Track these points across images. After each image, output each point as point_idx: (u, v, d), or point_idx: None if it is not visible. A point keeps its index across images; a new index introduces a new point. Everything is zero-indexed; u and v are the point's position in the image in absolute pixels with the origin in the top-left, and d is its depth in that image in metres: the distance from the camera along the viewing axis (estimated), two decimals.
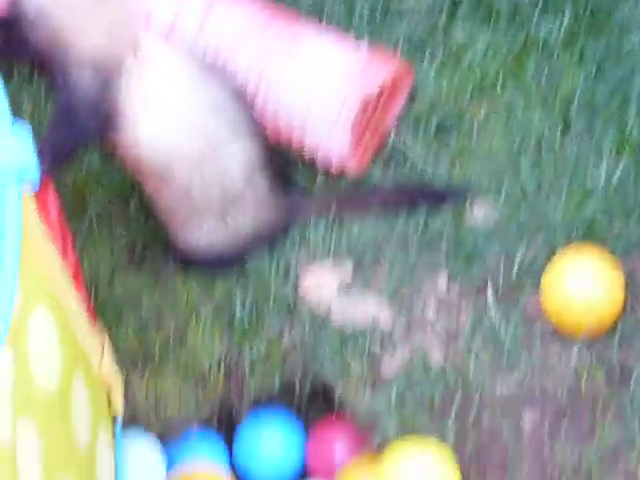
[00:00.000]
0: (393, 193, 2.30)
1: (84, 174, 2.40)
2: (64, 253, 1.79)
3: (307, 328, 2.20)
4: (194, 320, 2.25)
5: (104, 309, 2.24)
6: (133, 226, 2.38)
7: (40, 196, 1.65)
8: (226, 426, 2.37)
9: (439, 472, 2.00)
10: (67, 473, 1.65)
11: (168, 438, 2.27)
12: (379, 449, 2.10)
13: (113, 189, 2.40)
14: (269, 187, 2.20)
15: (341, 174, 2.33)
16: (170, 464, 2.25)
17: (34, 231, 1.60)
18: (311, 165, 2.34)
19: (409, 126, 2.39)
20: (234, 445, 2.35)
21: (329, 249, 2.28)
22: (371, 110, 2.32)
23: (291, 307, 2.22)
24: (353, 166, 2.31)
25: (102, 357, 1.96)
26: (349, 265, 2.27)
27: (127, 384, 2.18)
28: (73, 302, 1.80)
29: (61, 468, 1.62)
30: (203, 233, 2.19)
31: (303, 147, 2.30)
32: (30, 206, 1.56)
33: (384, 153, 2.36)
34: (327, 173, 2.33)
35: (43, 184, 1.68)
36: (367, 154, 2.34)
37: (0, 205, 1.39)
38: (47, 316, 1.61)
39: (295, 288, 2.24)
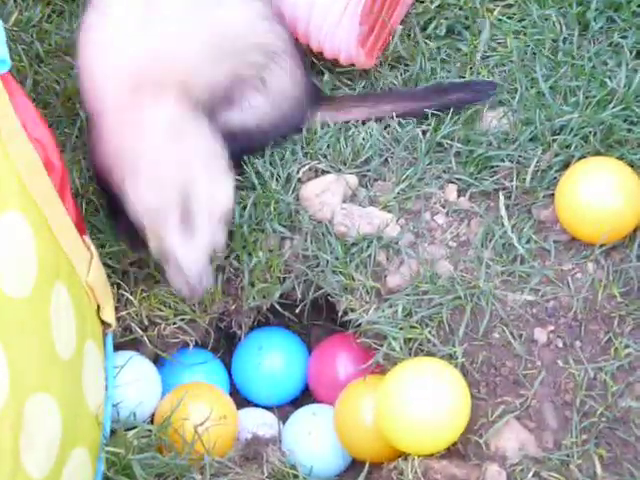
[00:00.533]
0: (409, 95, 2.23)
1: (73, 79, 2.28)
2: (48, 160, 1.71)
3: (309, 238, 2.11)
4: None
5: (95, 221, 2.16)
6: None
7: (12, 91, 1.55)
8: (224, 345, 2.32)
9: (447, 392, 1.90)
10: (46, 392, 1.59)
11: (164, 357, 2.19)
12: (384, 368, 2.01)
13: None
14: (297, 64, 2.14)
15: (350, 66, 2.27)
16: (166, 385, 2.18)
17: (9, 127, 1.52)
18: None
19: (418, 27, 2.31)
20: (233, 364, 2.30)
21: (333, 159, 2.19)
22: (379, 6, 2.23)
23: (293, 216, 2.13)
24: (361, 60, 2.24)
25: (90, 268, 1.87)
26: (354, 175, 2.18)
27: (119, 299, 2.10)
28: (58, 210, 1.73)
29: (37, 386, 1.56)
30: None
31: (309, 40, 2.23)
32: (3, 100, 1.46)
33: (393, 53, 2.29)
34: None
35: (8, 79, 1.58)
36: (375, 50, 2.27)
37: None
38: (20, 222, 1.54)
39: (297, 197, 2.15)
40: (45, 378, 1.58)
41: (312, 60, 2.28)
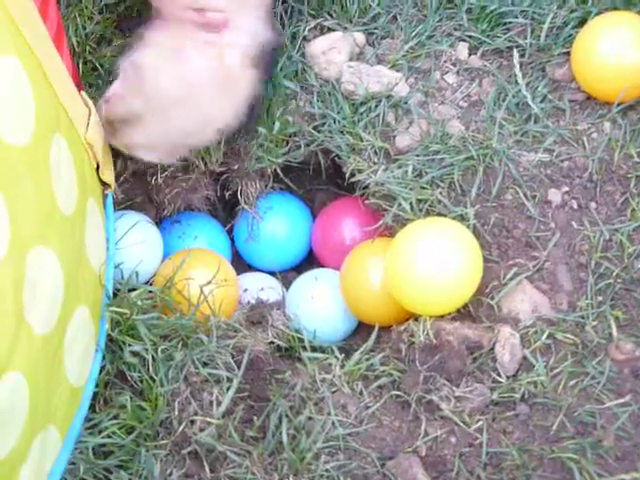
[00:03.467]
0: None
1: None
2: (44, 9, 1.64)
3: (315, 96, 2.07)
4: None
5: (92, 82, 2.11)
6: None
7: None
8: (225, 210, 2.31)
9: (458, 251, 1.88)
10: (47, 246, 1.55)
11: (164, 222, 2.20)
12: (392, 230, 1.99)
13: None
14: None
15: None
16: (167, 250, 2.16)
17: None
18: None
19: None
20: (235, 230, 2.28)
21: (339, 16, 2.14)
22: None
23: (299, 74, 2.09)
24: None
25: (88, 123, 1.82)
26: (361, 32, 2.13)
27: (117, 161, 2.05)
28: (55, 61, 1.67)
29: (38, 239, 1.52)
30: None
31: None
32: None
33: None
34: None
35: None
36: None
37: None
38: (17, 67, 1.48)
39: (303, 55, 2.10)
40: (46, 231, 1.54)
41: None
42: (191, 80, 1.88)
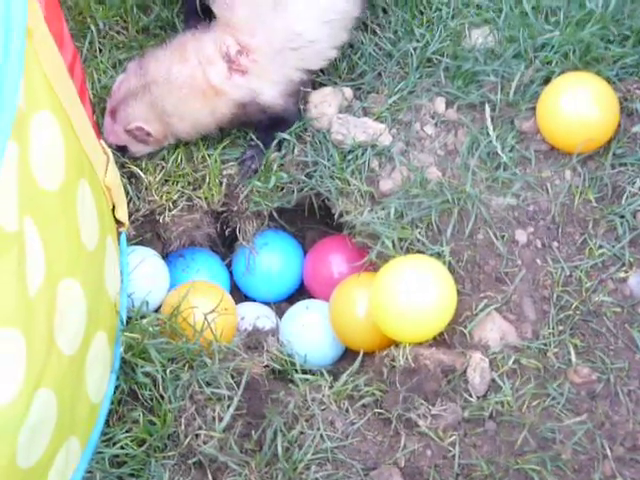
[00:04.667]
0: None
1: None
2: (71, 66, 1.81)
3: (308, 146, 2.24)
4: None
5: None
6: (134, 46, 2.38)
7: (47, 5, 1.65)
8: (225, 246, 2.46)
9: (436, 285, 2.04)
10: (74, 278, 1.71)
11: (170, 256, 2.36)
12: (376, 265, 2.15)
13: (114, 8, 2.40)
14: None
15: None
16: (172, 283, 2.32)
17: (42, 36, 1.61)
18: None
19: None
20: (233, 264, 2.44)
21: (330, 73, 2.31)
22: None
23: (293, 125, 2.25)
24: None
25: (107, 169, 1.99)
26: (349, 87, 2.30)
27: (130, 203, 2.23)
28: (80, 113, 1.83)
29: (67, 272, 1.68)
30: None
31: None
32: (38, 12, 1.57)
33: None
34: None
35: None
36: None
37: (5, 6, 1.38)
38: (51, 121, 1.63)
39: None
40: (74, 265, 1.70)
41: None
42: (177, 77, 2.14)
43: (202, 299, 2.18)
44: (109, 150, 2.01)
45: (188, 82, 2.13)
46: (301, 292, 2.43)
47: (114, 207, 2.05)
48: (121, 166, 2.19)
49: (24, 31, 1.36)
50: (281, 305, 2.40)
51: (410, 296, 2.03)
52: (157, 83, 2.13)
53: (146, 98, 2.14)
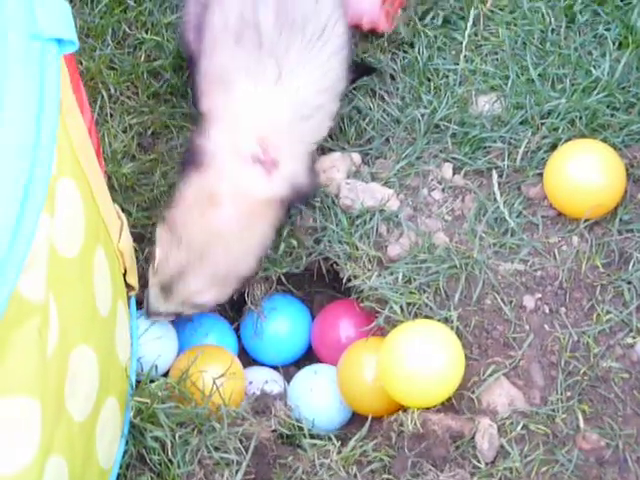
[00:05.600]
0: None
1: (96, 60, 2.43)
2: (89, 130, 1.83)
3: (317, 211, 2.26)
4: None
5: (114, 188, 2.31)
6: (145, 111, 2.41)
7: (69, 67, 1.67)
8: (233, 310, 2.46)
9: (444, 351, 2.05)
10: (88, 344, 1.72)
11: (178, 321, 2.34)
12: (384, 330, 2.16)
13: (125, 74, 2.43)
14: None
15: (369, 32, 2.43)
16: (181, 346, 2.33)
17: (67, 101, 1.63)
18: None
19: (417, 16, 2.46)
20: (241, 328, 2.44)
21: (338, 138, 2.34)
22: None
23: None
24: (383, 23, 2.41)
25: (121, 234, 2.00)
26: (357, 153, 2.33)
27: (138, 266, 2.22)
28: (98, 177, 1.84)
29: (81, 339, 1.69)
30: None
31: None
32: (64, 75, 1.59)
33: (394, 37, 2.44)
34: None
35: (70, 59, 1.71)
36: (391, 15, 2.44)
37: (40, 72, 1.39)
38: (73, 187, 1.65)
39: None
40: (88, 332, 1.71)
41: None
42: (218, 225, 2.07)
43: (211, 363, 2.19)
44: (123, 215, 2.02)
45: (234, 221, 2.08)
46: (309, 356, 2.43)
47: (125, 271, 2.05)
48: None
49: (58, 104, 1.37)
50: (289, 369, 2.40)
51: (419, 361, 2.03)
52: (207, 244, 2.08)
53: (204, 270, 2.09)
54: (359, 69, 2.38)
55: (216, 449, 2.00)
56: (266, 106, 2.07)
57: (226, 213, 2.06)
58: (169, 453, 1.98)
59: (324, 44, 2.08)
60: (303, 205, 2.22)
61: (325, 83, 2.11)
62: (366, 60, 2.40)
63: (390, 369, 2.05)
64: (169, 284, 2.11)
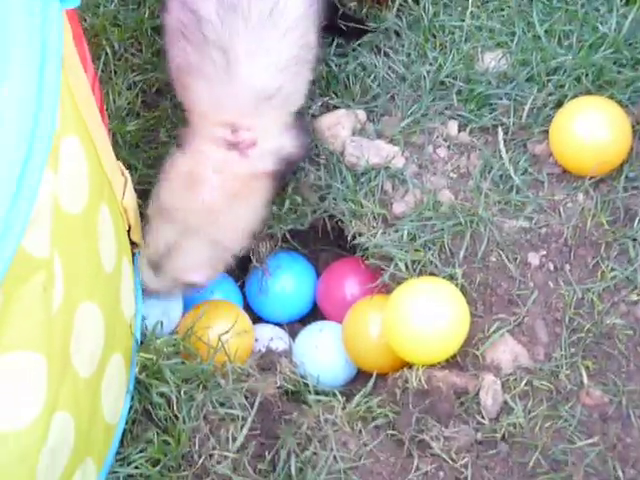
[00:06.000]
0: None
1: (100, 16, 2.42)
2: (92, 87, 1.83)
3: (321, 168, 2.26)
4: None
5: (118, 145, 2.31)
6: (149, 68, 2.41)
7: (72, 23, 1.67)
8: (238, 267, 2.42)
9: (449, 307, 2.06)
10: (93, 301, 1.73)
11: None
12: (389, 287, 2.16)
13: (129, 30, 2.42)
14: None
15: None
16: (187, 305, 2.33)
17: (70, 59, 1.63)
18: None
19: None
20: (247, 285, 2.45)
21: (343, 95, 2.34)
22: None
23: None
24: None
25: (125, 191, 2.00)
26: (362, 110, 2.32)
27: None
28: (102, 134, 1.84)
29: (86, 295, 1.70)
30: None
31: None
32: (67, 31, 1.59)
33: None
34: None
35: (73, 15, 1.71)
36: None
37: (42, 27, 1.39)
38: (78, 144, 1.65)
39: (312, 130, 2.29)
40: (93, 289, 1.71)
41: None
42: (207, 203, 2.07)
43: (219, 319, 2.20)
44: (126, 172, 2.03)
45: (220, 196, 2.07)
46: (314, 313, 2.43)
47: (130, 228, 2.06)
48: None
49: (60, 59, 1.37)
50: (294, 326, 2.40)
51: (424, 318, 2.04)
52: (195, 221, 2.08)
53: (193, 248, 2.10)
54: (355, 31, 2.38)
55: (221, 405, 2.01)
56: (224, 97, 2.04)
57: (210, 190, 2.06)
58: (174, 409, 1.99)
59: (274, 24, 2.04)
60: (301, 164, 2.23)
61: (283, 61, 2.07)
62: (363, 19, 2.41)
63: (395, 326, 2.06)
64: (159, 262, 2.10)
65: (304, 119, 2.21)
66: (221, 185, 2.06)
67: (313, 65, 2.16)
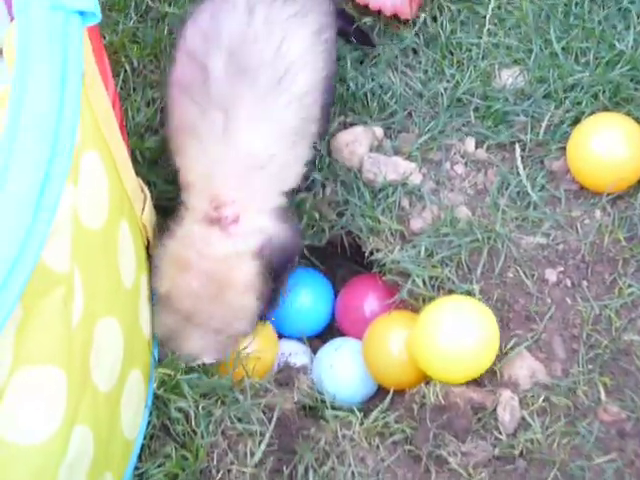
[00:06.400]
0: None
1: (119, 34, 2.44)
2: (113, 104, 1.84)
3: (339, 184, 2.27)
4: None
5: (137, 162, 2.31)
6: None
7: (93, 40, 1.68)
8: None
9: (480, 327, 2.05)
10: (112, 316, 1.74)
11: None
12: (407, 303, 2.18)
13: (147, 47, 2.45)
14: None
15: (391, 18, 2.42)
16: None
17: (90, 74, 1.64)
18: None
19: None
20: None
21: (361, 112, 2.35)
22: None
23: (324, 164, 2.28)
24: (406, 9, 2.38)
25: (144, 207, 2.02)
26: (380, 127, 2.33)
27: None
28: (122, 150, 1.86)
29: (105, 310, 1.71)
30: None
31: None
32: (87, 47, 1.60)
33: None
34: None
35: (94, 31, 1.72)
36: (414, 2, 2.41)
37: (63, 43, 1.40)
38: (98, 159, 1.67)
39: (328, 147, 2.30)
40: (112, 304, 1.72)
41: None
42: (193, 288, 2.04)
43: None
44: (146, 188, 2.04)
45: (208, 282, 2.02)
46: (331, 329, 2.44)
47: (148, 244, 2.07)
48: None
49: (81, 75, 1.38)
50: (312, 342, 2.40)
51: (455, 337, 2.04)
52: (191, 309, 2.06)
53: (195, 332, 2.08)
54: (362, 37, 2.40)
55: (239, 420, 2.02)
56: (213, 162, 2.00)
57: (195, 275, 2.03)
58: (192, 424, 2.00)
59: (281, 92, 2.01)
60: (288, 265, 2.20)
61: (283, 130, 2.04)
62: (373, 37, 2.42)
63: (425, 345, 2.06)
64: (166, 345, 2.09)
65: (294, 213, 2.19)
66: (206, 269, 2.00)
67: (313, 140, 2.14)
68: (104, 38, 2.43)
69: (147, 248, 2.09)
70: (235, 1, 2.04)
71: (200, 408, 2.01)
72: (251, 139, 2.00)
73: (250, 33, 2.02)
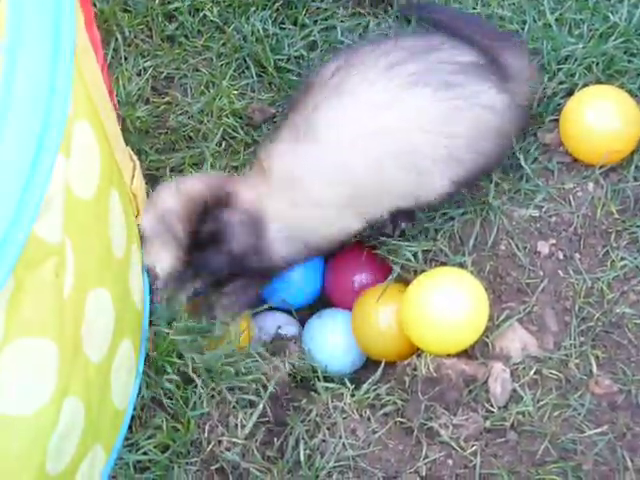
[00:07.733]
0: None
1: (110, 2, 2.43)
2: (103, 71, 1.83)
3: None
4: None
5: (128, 131, 2.31)
6: (159, 54, 2.40)
7: (83, 8, 1.67)
8: None
9: (469, 297, 2.05)
10: (104, 286, 1.74)
11: None
12: (398, 276, 2.17)
13: (139, 16, 2.41)
14: None
15: None
16: None
17: (81, 42, 1.63)
18: None
19: None
20: None
21: None
22: None
23: None
24: None
25: (133, 176, 2.01)
26: None
27: None
28: (111, 119, 1.85)
29: (96, 281, 1.71)
30: None
31: None
32: (79, 17, 1.59)
33: None
34: None
35: (88, 5, 1.71)
36: None
37: (55, 12, 1.38)
38: (89, 129, 1.65)
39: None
40: (103, 274, 1.71)
41: None
42: None
43: None
44: (135, 157, 2.03)
45: None
46: (322, 300, 2.42)
47: (138, 214, 2.06)
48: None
49: (73, 43, 1.36)
50: (302, 313, 2.40)
51: (444, 308, 2.04)
52: None
53: None
54: None
55: (231, 391, 2.01)
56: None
57: None
58: (183, 395, 2.01)
59: None
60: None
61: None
62: None
63: (415, 317, 2.05)
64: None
65: None
66: None
67: None
68: (94, 6, 2.41)
69: (137, 217, 2.06)
70: None
71: (192, 376, 2.01)
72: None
73: None
